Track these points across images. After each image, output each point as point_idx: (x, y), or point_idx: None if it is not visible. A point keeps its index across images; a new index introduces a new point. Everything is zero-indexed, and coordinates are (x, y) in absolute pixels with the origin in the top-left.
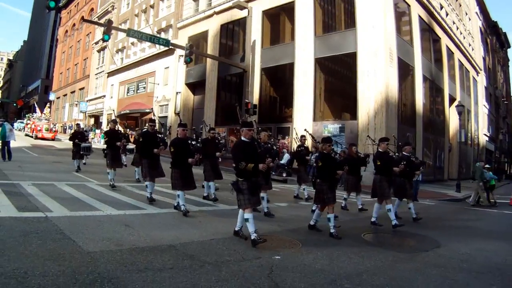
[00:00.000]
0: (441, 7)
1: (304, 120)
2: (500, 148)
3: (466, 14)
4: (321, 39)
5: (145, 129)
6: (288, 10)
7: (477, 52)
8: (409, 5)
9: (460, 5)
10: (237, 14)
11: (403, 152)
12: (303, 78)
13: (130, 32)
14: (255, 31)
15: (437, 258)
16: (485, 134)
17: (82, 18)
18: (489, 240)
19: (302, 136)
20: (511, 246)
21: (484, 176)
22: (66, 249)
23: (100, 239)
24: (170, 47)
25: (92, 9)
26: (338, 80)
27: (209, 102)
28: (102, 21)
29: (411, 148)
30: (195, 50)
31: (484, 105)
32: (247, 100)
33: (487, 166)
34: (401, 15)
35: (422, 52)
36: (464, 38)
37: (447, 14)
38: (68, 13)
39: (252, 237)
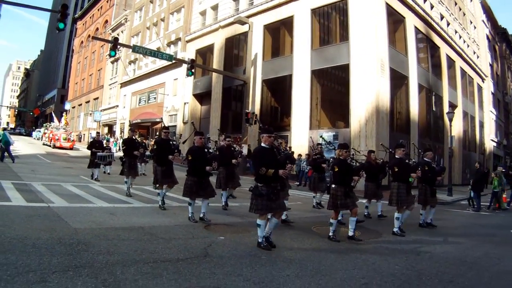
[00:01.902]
0: (442, 18)
1: (301, 129)
2: (506, 154)
3: (471, 22)
4: (317, 51)
5: (158, 137)
6: (287, 24)
7: (483, 59)
8: (404, 17)
9: (464, 14)
10: (241, 28)
11: (425, 158)
12: (300, 89)
13: (135, 48)
14: (257, 44)
15: (366, 245)
16: (492, 140)
17: (95, 33)
18: (433, 234)
19: (319, 144)
20: (452, 240)
21: (502, 180)
22: (58, 226)
23: (86, 221)
24: (173, 61)
25: (106, 21)
26: (333, 90)
27: (215, 112)
28: (116, 32)
29: (432, 154)
30: (196, 64)
31: (491, 111)
32: (247, 110)
33: (503, 170)
34: (395, 27)
35: (419, 62)
36: (468, 46)
37: (448, 24)
38: (83, 24)
39: (259, 240)
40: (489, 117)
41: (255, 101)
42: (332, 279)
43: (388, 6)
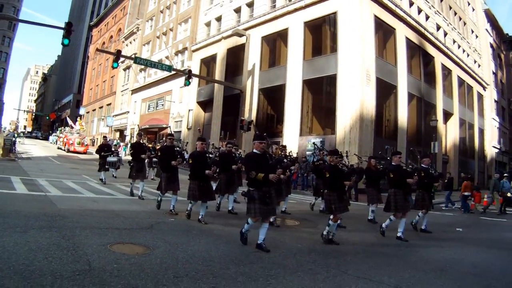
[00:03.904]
0: (438, 28)
1: (292, 135)
2: (510, 160)
3: (473, 32)
4: (309, 62)
5: (163, 142)
6: (283, 36)
7: (486, 68)
8: (394, 28)
9: (465, 24)
10: (241, 39)
11: (422, 164)
12: (292, 98)
13: (136, 60)
14: (255, 55)
15: (300, 232)
16: (494, 147)
17: (110, 40)
18: (373, 231)
19: (321, 150)
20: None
21: (498, 187)
22: (48, 206)
23: (71, 205)
24: (173, 72)
25: (120, 29)
26: (322, 99)
27: (216, 119)
28: (129, 40)
29: (430, 161)
30: (193, 74)
31: (494, 119)
32: (242, 118)
33: (505, 175)
34: (386, 38)
35: (410, 71)
36: (468, 55)
37: (445, 34)
38: (98, 31)
39: (243, 231)
40: (491, 124)
41: (252, 108)
42: (232, 244)
43: (377, 19)
